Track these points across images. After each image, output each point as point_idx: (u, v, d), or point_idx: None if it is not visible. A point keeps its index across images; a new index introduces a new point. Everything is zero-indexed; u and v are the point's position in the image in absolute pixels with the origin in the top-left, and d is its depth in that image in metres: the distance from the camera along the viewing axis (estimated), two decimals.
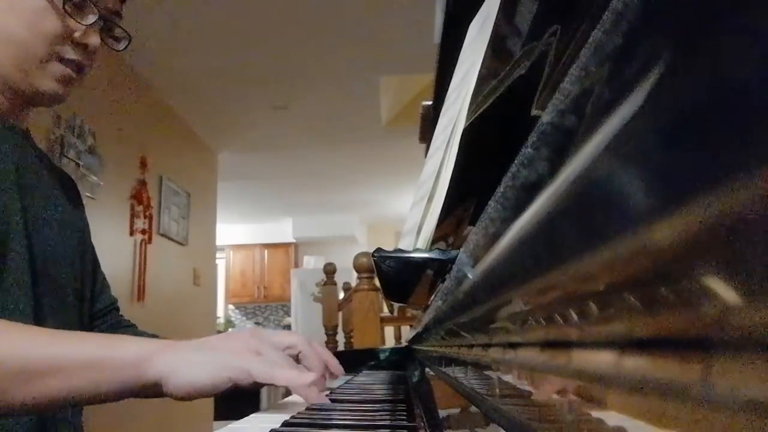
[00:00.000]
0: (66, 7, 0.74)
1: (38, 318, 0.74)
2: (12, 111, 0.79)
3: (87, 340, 0.61)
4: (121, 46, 0.85)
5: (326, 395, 0.76)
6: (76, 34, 0.76)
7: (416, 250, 0.51)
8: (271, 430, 0.50)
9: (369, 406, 0.67)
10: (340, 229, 6.94)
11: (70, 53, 0.76)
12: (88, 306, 0.89)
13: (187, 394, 0.59)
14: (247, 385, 0.59)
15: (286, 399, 0.78)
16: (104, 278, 0.96)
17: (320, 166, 5.15)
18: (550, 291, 0.15)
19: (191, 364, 0.59)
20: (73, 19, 0.75)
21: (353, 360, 1.31)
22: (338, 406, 0.69)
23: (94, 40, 0.78)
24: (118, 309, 0.98)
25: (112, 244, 3.02)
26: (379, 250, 0.53)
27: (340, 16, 2.85)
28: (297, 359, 0.68)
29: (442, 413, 0.51)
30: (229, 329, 7.00)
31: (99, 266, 0.95)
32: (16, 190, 0.74)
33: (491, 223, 0.23)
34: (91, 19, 0.77)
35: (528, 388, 0.20)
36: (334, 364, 0.78)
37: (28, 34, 0.73)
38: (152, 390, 0.60)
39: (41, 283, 0.75)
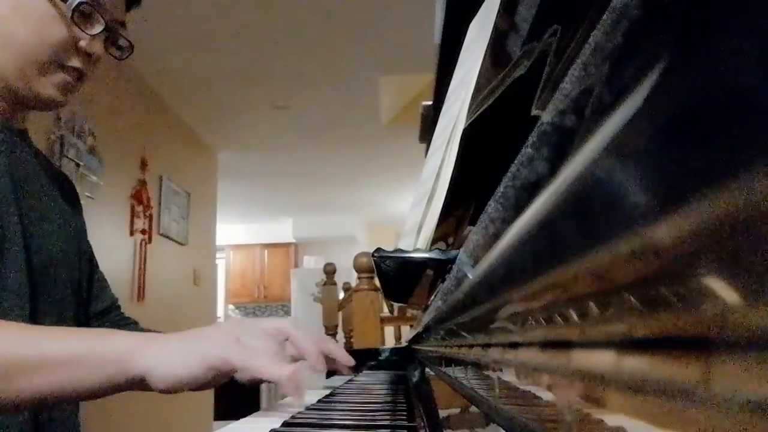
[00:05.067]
0: (74, 16, 0.74)
1: (34, 321, 0.74)
2: (11, 113, 0.79)
3: (71, 336, 0.61)
4: (124, 55, 0.85)
5: (326, 395, 0.76)
6: (81, 43, 0.76)
7: (416, 250, 0.51)
8: (271, 430, 0.50)
9: (369, 406, 0.67)
10: (340, 229, 6.94)
11: (73, 61, 0.76)
12: (85, 308, 0.89)
13: (170, 387, 0.59)
14: (230, 374, 0.59)
15: (286, 399, 0.78)
16: (103, 278, 0.96)
17: (320, 166, 5.15)
18: (550, 291, 0.15)
19: (172, 356, 0.59)
20: (80, 28, 0.76)
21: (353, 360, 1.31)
22: (338, 406, 0.69)
23: (98, 49, 0.78)
24: (119, 307, 0.98)
25: (112, 244, 3.02)
26: (379, 250, 0.53)
27: (340, 16, 2.85)
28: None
29: (442, 413, 0.51)
30: None
31: (97, 267, 0.95)
32: (12, 192, 0.73)
33: (491, 223, 0.23)
34: (98, 28, 0.77)
35: (528, 388, 0.20)
36: (341, 355, 0.78)
37: (34, 39, 0.73)
38: (138, 385, 0.60)
39: (38, 286, 0.75)
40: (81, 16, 0.76)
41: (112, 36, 0.82)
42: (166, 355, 0.59)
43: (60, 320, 0.79)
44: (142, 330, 0.95)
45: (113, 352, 0.59)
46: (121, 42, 0.84)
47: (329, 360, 0.82)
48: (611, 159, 0.10)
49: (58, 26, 0.74)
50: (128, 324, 0.96)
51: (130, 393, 0.64)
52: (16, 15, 0.73)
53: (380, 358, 1.28)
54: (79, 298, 0.85)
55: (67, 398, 0.59)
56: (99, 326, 0.92)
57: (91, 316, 0.91)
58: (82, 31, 0.76)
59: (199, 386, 0.60)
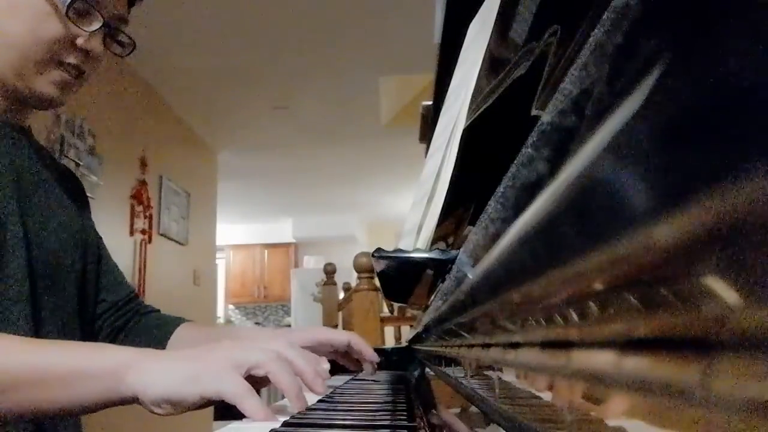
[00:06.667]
0: (69, 13, 0.73)
1: (37, 320, 0.73)
2: (11, 111, 0.78)
3: (65, 350, 0.60)
4: (125, 52, 0.84)
5: (326, 395, 0.76)
6: (79, 40, 0.75)
7: (416, 250, 0.51)
8: (271, 430, 0.50)
9: (369, 406, 0.67)
10: (340, 229, 6.94)
11: (71, 58, 0.75)
12: (93, 305, 0.89)
13: (162, 409, 0.57)
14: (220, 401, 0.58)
15: (285, 399, 0.78)
16: (115, 268, 0.95)
17: (320, 166, 5.15)
18: (550, 291, 0.15)
19: (165, 377, 0.57)
20: (76, 24, 0.74)
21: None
22: (338, 405, 0.69)
23: (96, 46, 0.76)
24: (137, 296, 0.97)
25: (112, 244, 3.00)
26: (379, 250, 0.53)
27: (340, 16, 2.85)
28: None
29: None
30: None
31: (108, 259, 0.94)
32: (13, 190, 0.73)
33: (491, 223, 0.23)
34: (96, 25, 0.76)
35: (528, 388, 0.20)
36: (368, 351, 0.83)
37: (29, 37, 0.72)
38: (132, 402, 0.59)
39: (40, 284, 0.75)
40: (77, 13, 0.74)
41: (112, 32, 0.80)
42: (160, 375, 0.57)
43: (63, 320, 0.79)
44: (164, 317, 0.96)
45: (107, 367, 0.58)
46: (122, 38, 0.82)
47: (356, 355, 0.85)
48: (611, 159, 0.10)
49: (53, 23, 0.73)
50: (151, 312, 0.96)
51: None
52: (9, 12, 0.72)
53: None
54: (85, 296, 0.85)
55: (61, 413, 0.58)
56: (118, 318, 0.91)
57: (107, 309, 0.90)
58: (79, 27, 0.74)
59: (187, 410, 0.58)
